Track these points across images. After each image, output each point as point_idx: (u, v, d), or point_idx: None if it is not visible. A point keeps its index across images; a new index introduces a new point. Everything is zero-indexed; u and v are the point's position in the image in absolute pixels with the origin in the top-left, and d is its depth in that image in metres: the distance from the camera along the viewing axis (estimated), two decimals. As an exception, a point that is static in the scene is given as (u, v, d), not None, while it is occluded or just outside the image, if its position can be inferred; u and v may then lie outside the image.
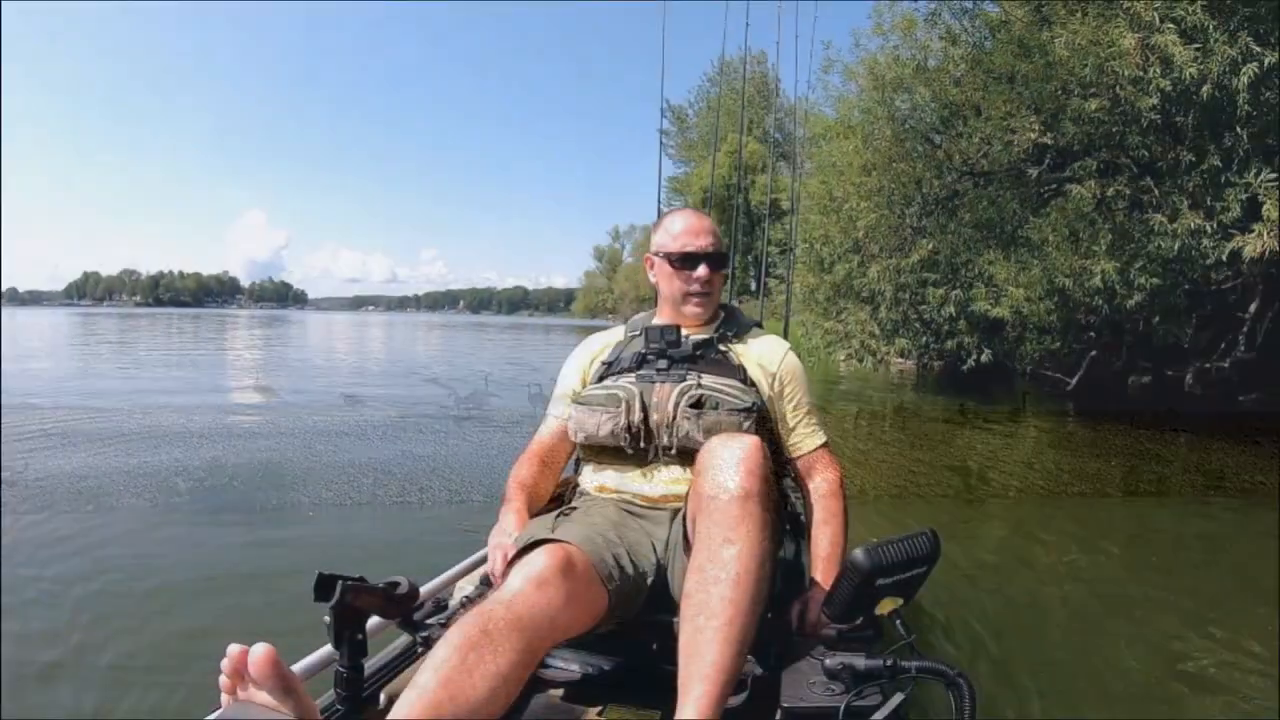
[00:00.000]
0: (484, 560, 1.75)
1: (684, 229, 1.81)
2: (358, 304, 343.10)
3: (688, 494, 1.38)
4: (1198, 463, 6.84)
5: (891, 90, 10.53)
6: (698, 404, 1.61)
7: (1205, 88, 5.95)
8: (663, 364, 1.73)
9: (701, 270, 1.79)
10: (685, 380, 1.67)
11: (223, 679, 0.99)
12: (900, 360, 15.53)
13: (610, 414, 1.65)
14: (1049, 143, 8.87)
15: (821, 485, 1.73)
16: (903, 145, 11.15)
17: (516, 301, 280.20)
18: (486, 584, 1.60)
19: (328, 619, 1.12)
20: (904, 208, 12.00)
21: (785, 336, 1.90)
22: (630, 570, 1.41)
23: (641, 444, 1.64)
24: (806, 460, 1.76)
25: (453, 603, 1.55)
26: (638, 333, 1.84)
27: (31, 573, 3.09)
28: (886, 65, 10.66)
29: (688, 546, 1.32)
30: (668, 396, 1.64)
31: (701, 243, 1.80)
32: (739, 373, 1.72)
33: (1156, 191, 7.67)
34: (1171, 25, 5.95)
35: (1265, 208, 6.15)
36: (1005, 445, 7.87)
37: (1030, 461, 6.74)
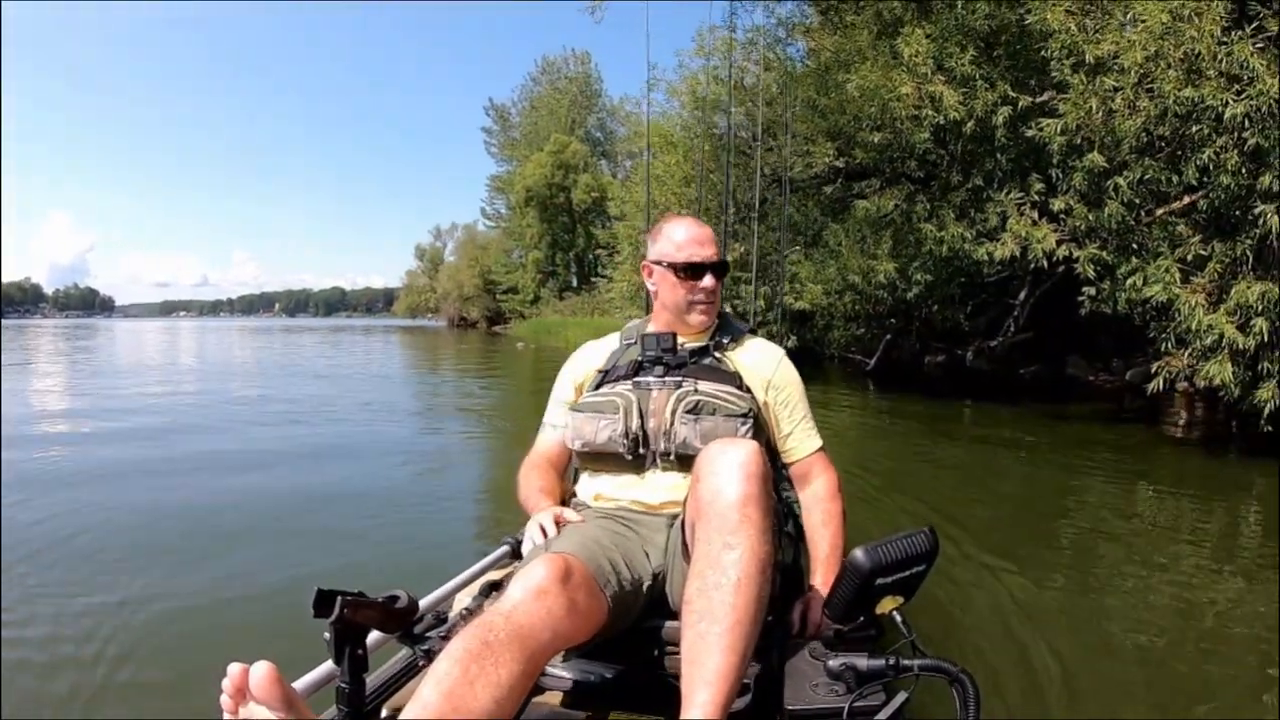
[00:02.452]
0: (482, 572, 1.73)
1: (689, 238, 1.74)
2: (168, 309, 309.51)
3: (686, 500, 1.33)
4: (982, 420, 8.16)
5: (710, 110, 11.21)
6: (694, 409, 1.58)
7: (969, 124, 6.90)
8: (659, 371, 1.69)
9: (708, 280, 1.73)
10: (682, 386, 1.63)
11: (224, 698, 0.97)
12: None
13: (608, 420, 1.62)
14: (840, 166, 9.97)
15: (819, 488, 1.70)
16: (719, 159, 11.89)
17: (334, 303, 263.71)
18: (486, 595, 1.55)
19: (328, 635, 1.08)
20: (719, 214, 12.82)
21: (780, 343, 1.95)
22: (629, 577, 1.37)
23: (639, 450, 1.60)
24: (803, 464, 1.72)
25: (452, 615, 1.48)
26: (633, 340, 1.80)
27: (24, 579, 2.93)
28: (706, 83, 11.33)
29: (686, 552, 1.30)
30: (665, 403, 1.61)
31: (707, 252, 1.73)
32: (735, 379, 1.68)
33: (929, 206, 8.86)
34: (941, 76, 6.86)
35: (1010, 220, 7.20)
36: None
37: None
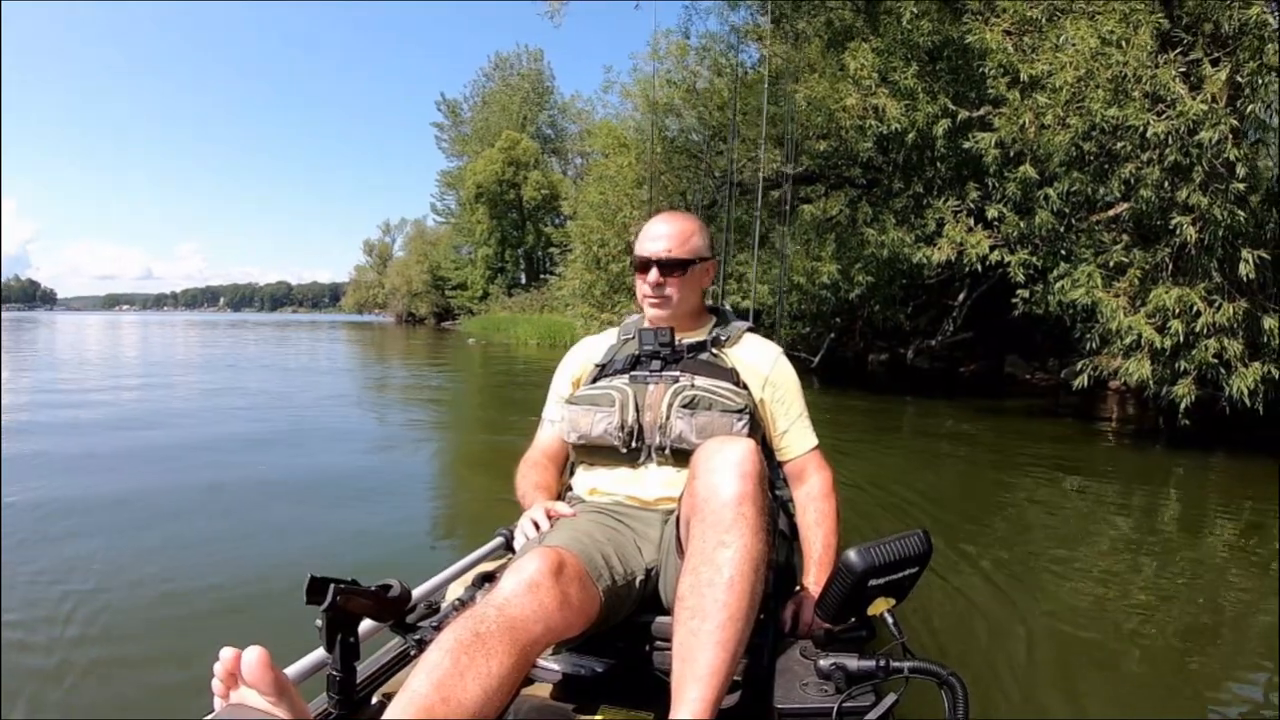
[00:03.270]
0: (475, 563, 1.70)
1: (646, 234, 1.71)
2: (111, 303, 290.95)
3: (681, 496, 1.31)
4: (924, 415, 8.50)
5: (663, 113, 11.30)
6: (690, 404, 1.55)
7: (911, 135, 7.12)
8: (655, 365, 1.66)
9: (652, 274, 1.67)
10: (678, 381, 1.61)
11: (216, 682, 0.96)
12: (664, 345, 16.41)
13: (604, 413, 1.59)
14: (789, 172, 10.17)
15: (814, 487, 1.66)
16: (670, 161, 12.00)
17: (280, 297, 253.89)
18: (478, 587, 1.51)
19: (320, 622, 1.06)
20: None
21: (778, 342, 1.92)
22: (622, 572, 1.35)
23: (635, 444, 1.58)
24: (798, 462, 1.69)
25: (445, 605, 1.45)
26: (631, 335, 1.76)
27: (26, 575, 2.86)
28: (659, 87, 11.43)
29: (680, 548, 1.27)
30: (661, 396, 1.58)
31: (654, 247, 1.67)
32: (731, 375, 1.65)
33: (871, 211, 9.12)
34: (885, 89, 7.07)
35: (947, 226, 7.47)
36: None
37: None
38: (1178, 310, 5.51)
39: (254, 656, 0.92)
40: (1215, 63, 5.05)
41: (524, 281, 37.75)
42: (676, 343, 1.69)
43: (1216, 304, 5.38)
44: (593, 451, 1.63)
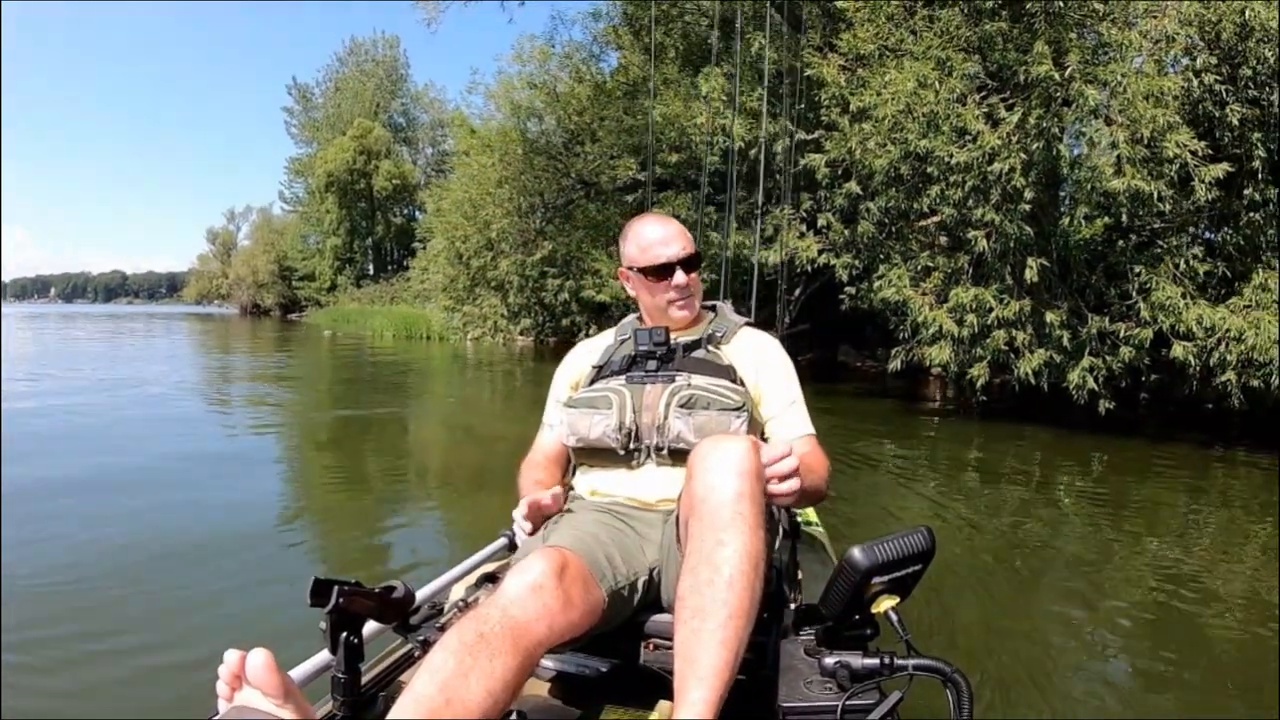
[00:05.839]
0: (479, 564, 1.61)
1: (653, 240, 1.61)
2: None
3: (680, 496, 1.24)
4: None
5: (525, 116, 11.18)
6: (688, 404, 1.46)
7: (754, 150, 7.46)
8: (652, 365, 1.57)
9: (679, 277, 1.59)
10: (675, 381, 1.51)
11: (220, 684, 0.92)
12: (522, 338, 16.19)
13: (602, 415, 1.50)
14: (641, 179, 10.39)
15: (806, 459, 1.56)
16: (531, 162, 11.90)
17: (114, 288, 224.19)
18: (481, 587, 1.45)
19: (324, 624, 1.01)
20: (530, 214, 12.87)
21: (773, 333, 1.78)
22: (624, 572, 1.28)
23: (633, 445, 1.49)
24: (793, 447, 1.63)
25: (448, 606, 1.39)
26: (627, 336, 1.67)
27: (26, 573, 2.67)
28: (521, 88, 11.27)
29: (681, 548, 1.20)
30: (658, 397, 1.49)
31: (672, 250, 1.60)
32: (729, 372, 1.55)
33: (716, 216, 9.50)
34: (730, 113, 7.39)
35: (783, 231, 7.94)
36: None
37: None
38: (974, 307, 6.15)
39: (259, 659, 0.89)
40: (1011, 107, 5.65)
41: (372, 273, 35.80)
42: (672, 341, 1.60)
43: (1005, 302, 6.06)
44: (592, 454, 1.55)
